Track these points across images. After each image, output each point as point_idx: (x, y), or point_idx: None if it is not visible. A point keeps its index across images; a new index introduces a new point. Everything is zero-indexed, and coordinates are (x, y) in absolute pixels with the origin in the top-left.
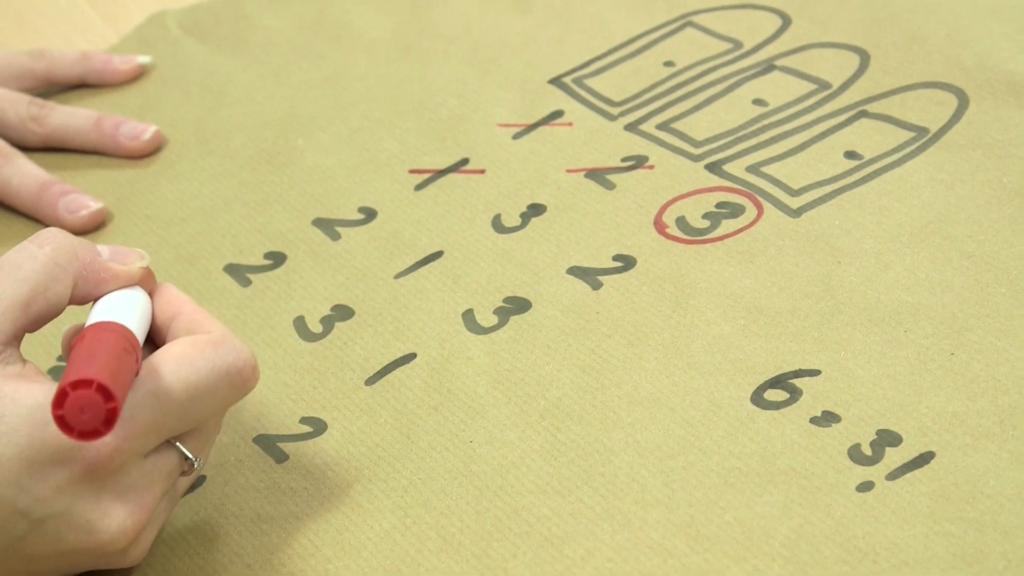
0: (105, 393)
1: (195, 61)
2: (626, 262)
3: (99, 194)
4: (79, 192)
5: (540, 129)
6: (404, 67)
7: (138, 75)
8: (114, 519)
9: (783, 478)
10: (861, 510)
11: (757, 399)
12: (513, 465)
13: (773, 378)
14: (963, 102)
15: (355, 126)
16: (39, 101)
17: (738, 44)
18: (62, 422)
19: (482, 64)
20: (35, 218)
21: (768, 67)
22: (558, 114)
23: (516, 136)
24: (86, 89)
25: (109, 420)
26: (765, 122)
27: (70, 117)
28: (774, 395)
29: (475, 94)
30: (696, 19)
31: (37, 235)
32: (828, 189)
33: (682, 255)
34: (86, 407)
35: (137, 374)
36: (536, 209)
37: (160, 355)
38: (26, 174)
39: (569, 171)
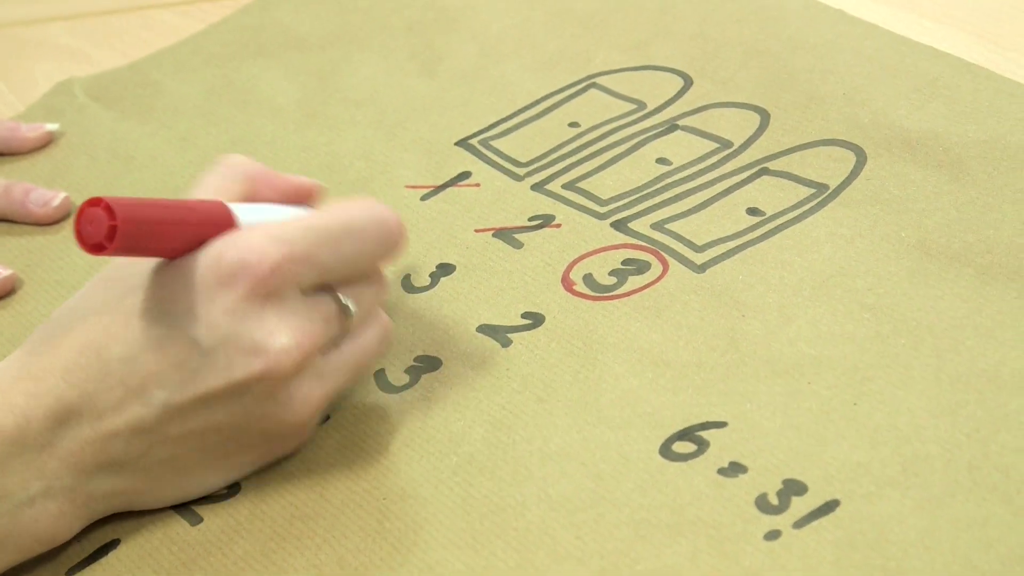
0: (109, 212)
1: (103, 128)
2: (535, 319)
3: (9, 261)
4: None
5: (448, 190)
6: (311, 132)
7: (46, 142)
8: (279, 338)
9: (691, 528)
10: (769, 558)
11: (665, 451)
12: (427, 521)
13: (681, 430)
14: (861, 159)
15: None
16: None
17: (641, 104)
18: (77, 233)
19: (389, 127)
20: None
21: (671, 127)
22: (465, 175)
23: (424, 197)
24: None
25: (110, 236)
26: (669, 180)
27: None
28: (682, 447)
29: (382, 156)
30: (600, 80)
31: (224, 156)
32: (731, 245)
33: (590, 311)
34: (93, 221)
35: None
36: (445, 269)
37: (321, 209)
38: None
39: (477, 231)
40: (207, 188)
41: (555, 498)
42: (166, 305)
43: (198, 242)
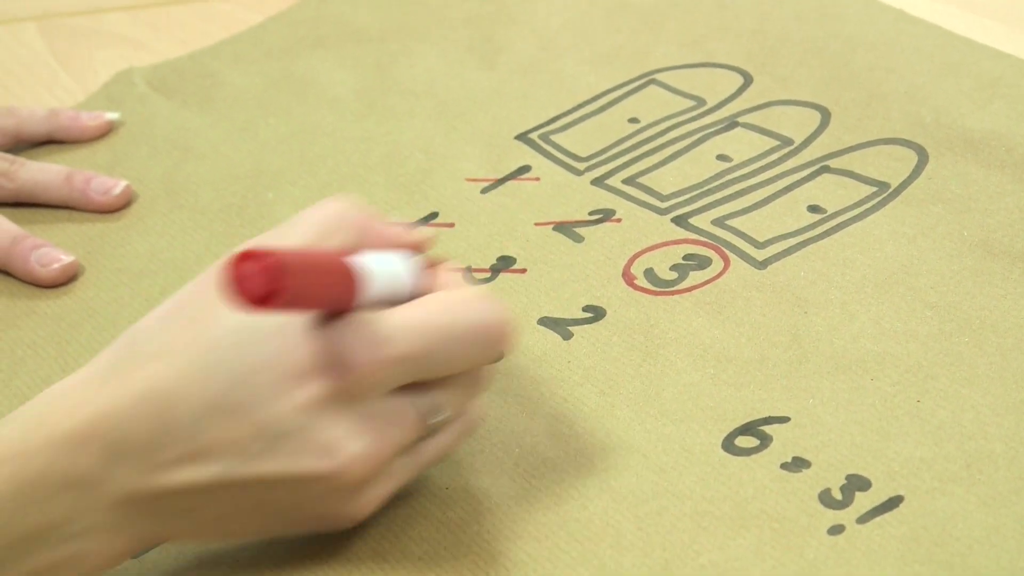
0: (260, 257)
1: (162, 117)
2: (596, 313)
3: (70, 248)
4: (50, 246)
5: (508, 183)
6: (370, 123)
7: (106, 131)
8: (353, 444)
9: (755, 522)
10: (833, 552)
11: (728, 445)
12: (489, 512)
13: (743, 425)
14: (923, 158)
15: (324, 180)
16: (9, 157)
17: (701, 101)
18: (240, 289)
19: (448, 120)
20: (6, 270)
21: (731, 124)
22: (525, 169)
23: (484, 190)
24: (54, 145)
25: (277, 276)
26: (729, 177)
27: (40, 172)
28: (745, 441)
29: (442, 149)
30: (659, 77)
31: (332, 198)
32: (793, 242)
33: (651, 306)
34: (253, 274)
35: (349, 308)
36: (506, 261)
37: (425, 297)
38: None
39: (537, 224)
40: (306, 230)
41: (618, 490)
42: (248, 376)
43: (328, 302)
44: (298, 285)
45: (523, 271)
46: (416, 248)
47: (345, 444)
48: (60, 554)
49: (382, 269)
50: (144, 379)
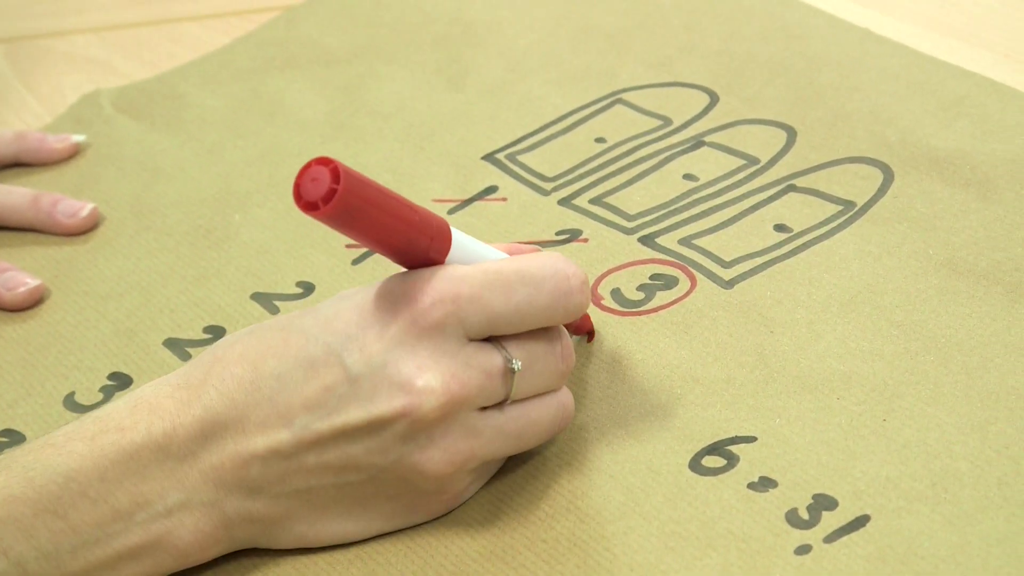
0: (335, 175)
1: (129, 139)
2: None
3: (36, 271)
4: (16, 269)
5: (475, 204)
6: (338, 144)
7: (73, 153)
8: (426, 376)
9: (722, 542)
10: (800, 572)
11: (695, 465)
12: (457, 535)
13: (710, 445)
14: (888, 176)
15: (291, 203)
16: None
17: (667, 121)
18: (295, 188)
19: (416, 141)
20: None
21: (697, 143)
22: (492, 189)
23: (451, 211)
24: (21, 168)
25: (327, 198)
26: (696, 196)
27: (7, 195)
28: (711, 461)
29: (409, 170)
30: (626, 96)
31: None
32: (759, 261)
33: (618, 326)
34: (317, 179)
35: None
36: None
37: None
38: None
39: None
40: None
41: (584, 510)
42: (328, 325)
43: (409, 244)
44: (355, 204)
45: None
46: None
47: (419, 376)
48: (153, 532)
49: (476, 253)
50: (236, 350)
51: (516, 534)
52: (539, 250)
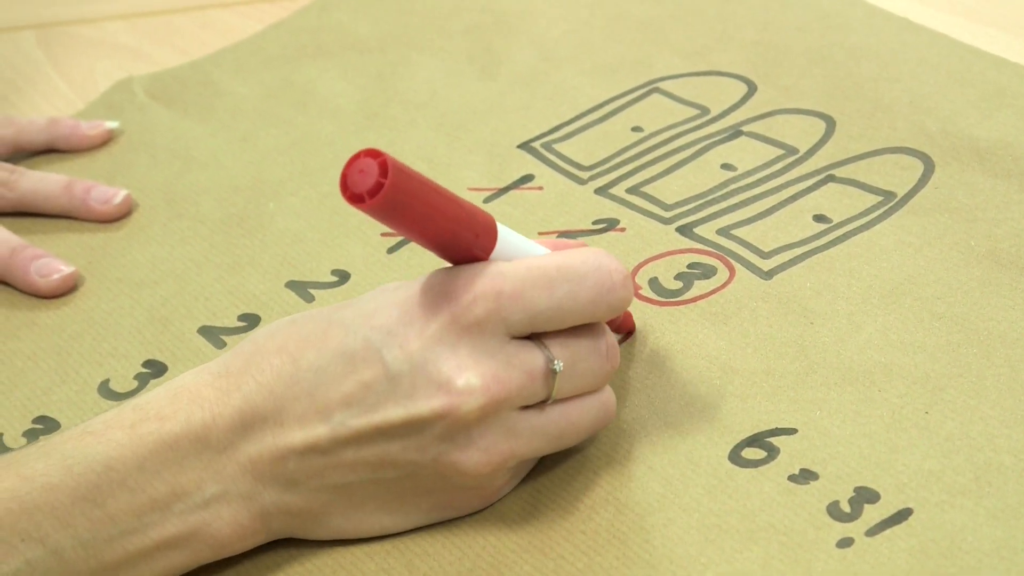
0: (383, 168)
1: (162, 126)
2: None
3: (70, 258)
4: (50, 256)
5: (511, 193)
6: (371, 133)
7: (106, 140)
8: (466, 375)
9: (763, 535)
10: (841, 565)
11: (735, 457)
12: (495, 525)
13: (750, 437)
14: (929, 167)
15: (325, 191)
16: (8, 166)
17: (705, 110)
18: (342, 179)
19: (450, 130)
20: (5, 281)
21: (735, 133)
22: (528, 178)
23: (487, 200)
24: (54, 154)
25: (374, 191)
26: (734, 186)
27: (40, 182)
28: (752, 453)
29: (444, 159)
30: (662, 85)
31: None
32: (798, 251)
33: (656, 316)
34: (364, 170)
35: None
36: None
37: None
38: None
39: (541, 233)
40: None
41: (624, 502)
42: (368, 319)
43: (453, 239)
44: (405, 190)
45: None
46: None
47: (458, 375)
48: (190, 523)
49: (522, 248)
50: (276, 341)
51: (555, 526)
52: (584, 245)
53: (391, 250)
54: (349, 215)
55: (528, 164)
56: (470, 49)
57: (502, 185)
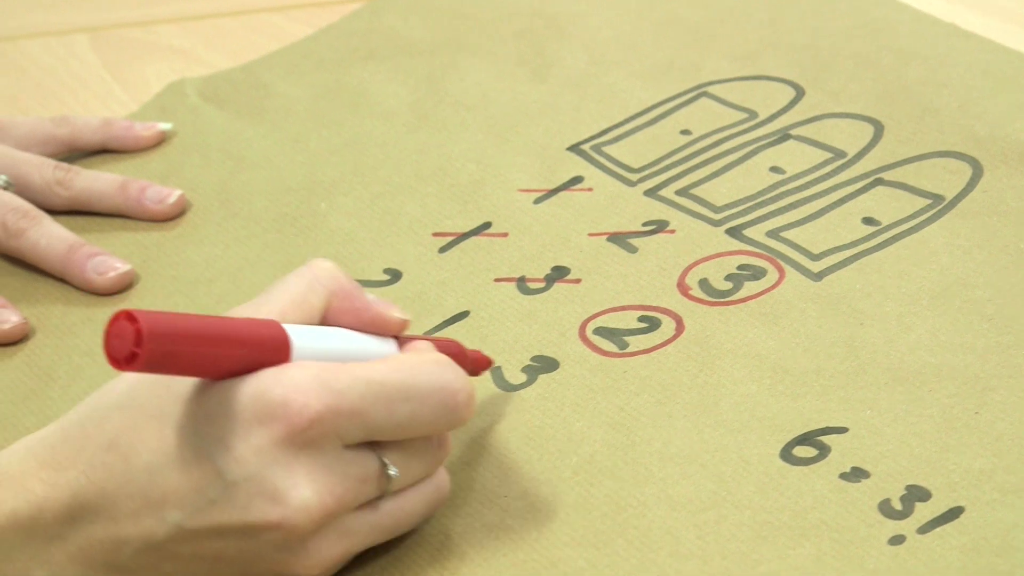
0: (131, 319)
1: (214, 128)
2: (651, 323)
3: (125, 256)
4: (107, 254)
5: (561, 194)
6: (422, 134)
7: (159, 141)
8: (301, 492)
9: (815, 532)
10: (894, 563)
11: (786, 455)
12: (548, 519)
13: (801, 435)
14: (977, 171)
15: (376, 191)
16: (64, 165)
17: (753, 114)
18: (105, 344)
19: (500, 132)
20: (63, 279)
21: (784, 136)
22: (578, 180)
23: (537, 201)
24: (108, 155)
25: (138, 341)
26: (783, 189)
27: (95, 181)
28: (803, 451)
29: (494, 160)
30: (711, 89)
31: (311, 261)
32: (848, 254)
33: (706, 316)
34: (120, 334)
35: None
36: (560, 271)
37: (388, 357)
38: (54, 236)
39: (591, 235)
40: (288, 294)
41: (676, 499)
42: (201, 426)
43: (247, 364)
44: (165, 351)
45: (577, 281)
46: (389, 330)
47: (294, 491)
48: None
49: (325, 343)
50: (106, 432)
51: (608, 521)
52: (429, 343)
53: (443, 249)
54: (400, 215)
55: (578, 166)
56: (520, 52)
57: (552, 187)
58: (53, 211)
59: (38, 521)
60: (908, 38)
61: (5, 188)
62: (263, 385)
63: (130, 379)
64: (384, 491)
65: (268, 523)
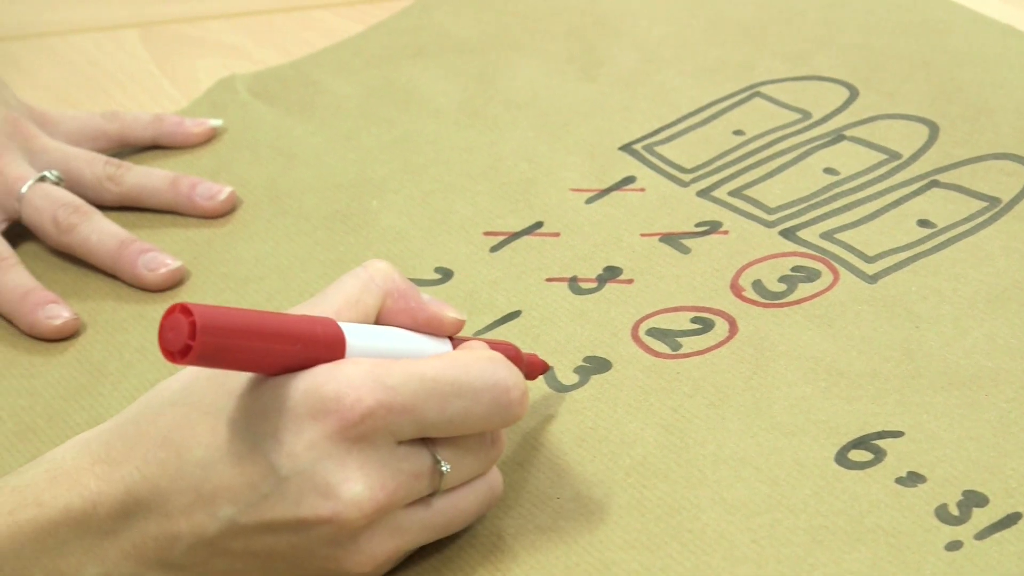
0: (186, 312)
1: (265, 124)
2: (704, 324)
3: (176, 252)
4: (157, 250)
5: (613, 194)
6: (473, 132)
7: (209, 138)
8: (353, 486)
9: (871, 536)
10: (951, 569)
11: (841, 459)
12: (601, 521)
13: (856, 439)
14: None
15: (427, 189)
16: (115, 161)
17: (806, 114)
18: (161, 342)
19: (551, 130)
20: (114, 275)
21: (837, 137)
22: (630, 180)
23: (589, 200)
24: (159, 150)
25: (192, 334)
26: (837, 190)
27: (146, 177)
28: (858, 455)
29: (546, 159)
30: (764, 89)
31: (366, 262)
32: (903, 256)
33: (760, 318)
34: (175, 327)
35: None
36: (612, 272)
37: (441, 354)
38: (105, 232)
39: (643, 235)
40: (343, 294)
41: (730, 502)
42: (255, 421)
43: (300, 360)
44: (218, 344)
45: (630, 282)
46: (444, 330)
47: (346, 486)
48: None
49: (379, 342)
50: (160, 428)
51: (661, 524)
52: (484, 343)
53: (494, 249)
54: (452, 213)
55: (630, 166)
56: (571, 50)
57: (604, 186)
58: (104, 207)
59: (92, 516)
60: (963, 38)
61: (56, 183)
62: (316, 381)
63: (185, 376)
64: (436, 488)
65: (320, 518)
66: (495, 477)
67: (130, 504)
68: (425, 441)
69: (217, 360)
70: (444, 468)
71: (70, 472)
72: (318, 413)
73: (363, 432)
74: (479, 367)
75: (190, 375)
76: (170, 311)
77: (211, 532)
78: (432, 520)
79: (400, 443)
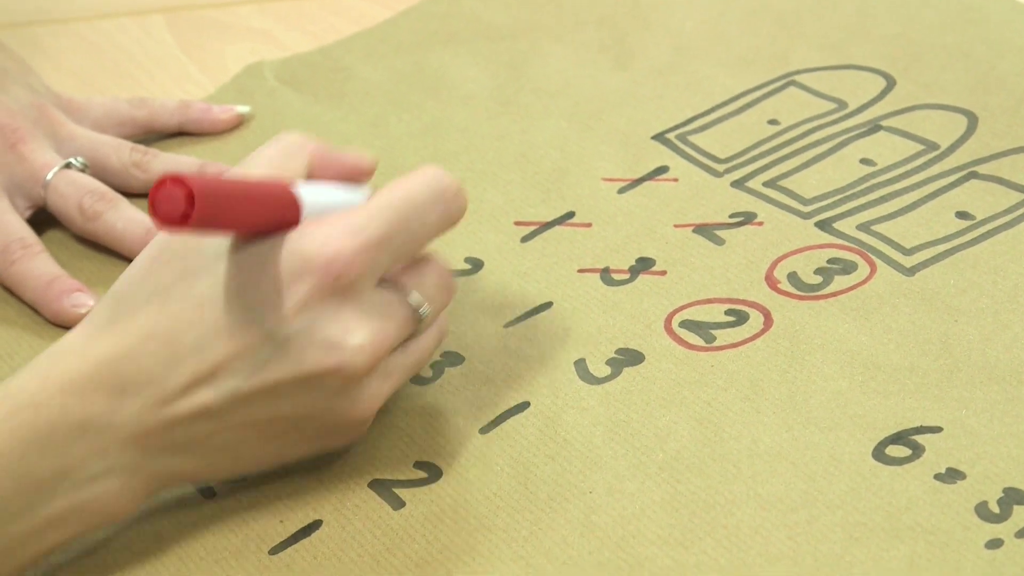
0: (179, 183)
1: (293, 111)
2: (738, 316)
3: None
4: None
5: (645, 184)
6: (504, 121)
7: (237, 124)
8: (355, 335)
9: (909, 534)
10: (991, 567)
11: (879, 455)
12: (634, 516)
13: (894, 434)
14: None
15: (457, 177)
16: (142, 148)
17: (842, 104)
18: (151, 210)
19: (583, 119)
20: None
21: (874, 127)
22: (663, 169)
23: (621, 191)
24: (185, 137)
25: (190, 201)
26: (874, 181)
27: (173, 163)
28: (896, 451)
29: (577, 148)
30: (799, 78)
31: (279, 134)
32: (941, 248)
33: (795, 310)
34: (170, 198)
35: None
36: (645, 263)
37: (385, 187)
38: (131, 219)
39: (676, 226)
40: (265, 162)
41: (766, 497)
42: (241, 292)
43: (264, 221)
44: (212, 209)
45: (663, 273)
46: (363, 176)
47: (348, 336)
48: (78, 499)
49: (324, 197)
50: (140, 325)
51: (696, 519)
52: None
53: (525, 239)
54: (483, 203)
55: (663, 155)
56: (603, 39)
57: (636, 176)
58: (130, 194)
59: (90, 414)
60: (1001, 29)
61: (82, 170)
62: (295, 244)
63: (141, 269)
64: (415, 331)
65: (326, 369)
66: (442, 318)
67: (129, 399)
68: (399, 287)
69: (211, 224)
70: (424, 310)
71: (61, 375)
72: (303, 272)
73: (349, 281)
74: (415, 180)
75: (140, 269)
76: (160, 183)
77: (214, 406)
78: (408, 362)
79: (382, 291)
